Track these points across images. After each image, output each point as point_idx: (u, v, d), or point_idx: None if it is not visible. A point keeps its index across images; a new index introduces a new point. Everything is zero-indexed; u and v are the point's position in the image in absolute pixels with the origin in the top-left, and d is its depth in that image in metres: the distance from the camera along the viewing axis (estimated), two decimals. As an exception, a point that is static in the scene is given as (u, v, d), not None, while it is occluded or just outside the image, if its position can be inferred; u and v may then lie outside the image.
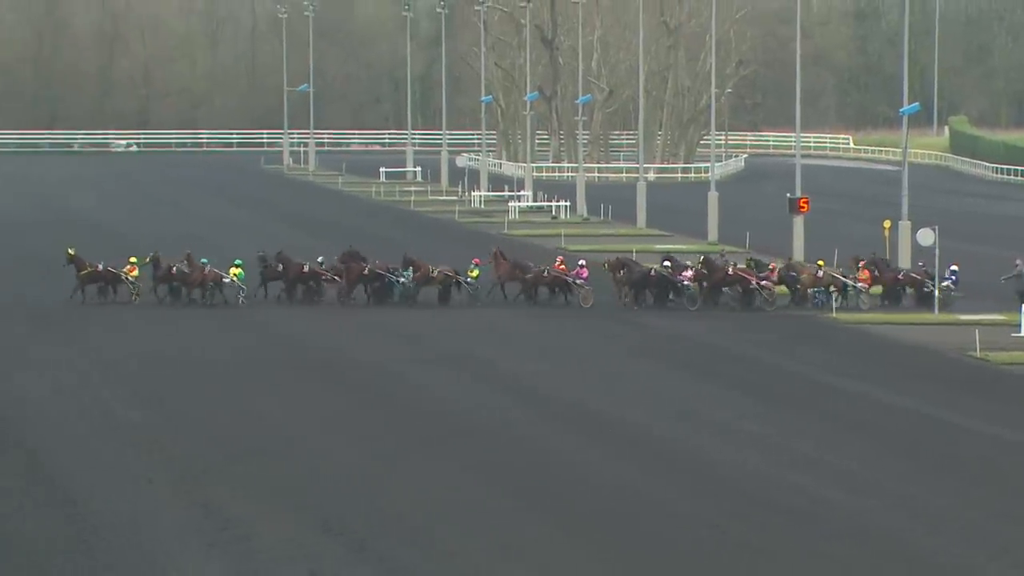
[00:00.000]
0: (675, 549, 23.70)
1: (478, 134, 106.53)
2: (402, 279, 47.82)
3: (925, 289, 48.47)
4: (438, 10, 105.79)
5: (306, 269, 47.84)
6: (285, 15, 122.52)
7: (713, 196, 68.43)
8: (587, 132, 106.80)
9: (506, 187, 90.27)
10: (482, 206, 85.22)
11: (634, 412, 33.21)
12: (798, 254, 60.26)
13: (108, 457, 29.18)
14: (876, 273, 49.24)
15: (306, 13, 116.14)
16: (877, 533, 24.58)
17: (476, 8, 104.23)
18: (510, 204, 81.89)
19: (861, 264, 49.42)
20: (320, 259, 48.71)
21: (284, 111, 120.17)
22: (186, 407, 33.29)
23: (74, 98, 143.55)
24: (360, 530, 24.44)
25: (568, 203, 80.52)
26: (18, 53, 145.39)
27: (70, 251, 47.37)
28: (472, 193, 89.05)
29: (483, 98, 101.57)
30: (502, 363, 38.93)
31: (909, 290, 49.19)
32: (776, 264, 50.01)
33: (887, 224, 55.10)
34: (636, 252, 61.53)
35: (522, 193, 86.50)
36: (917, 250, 52.63)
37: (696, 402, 34.35)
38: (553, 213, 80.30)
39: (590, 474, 28.13)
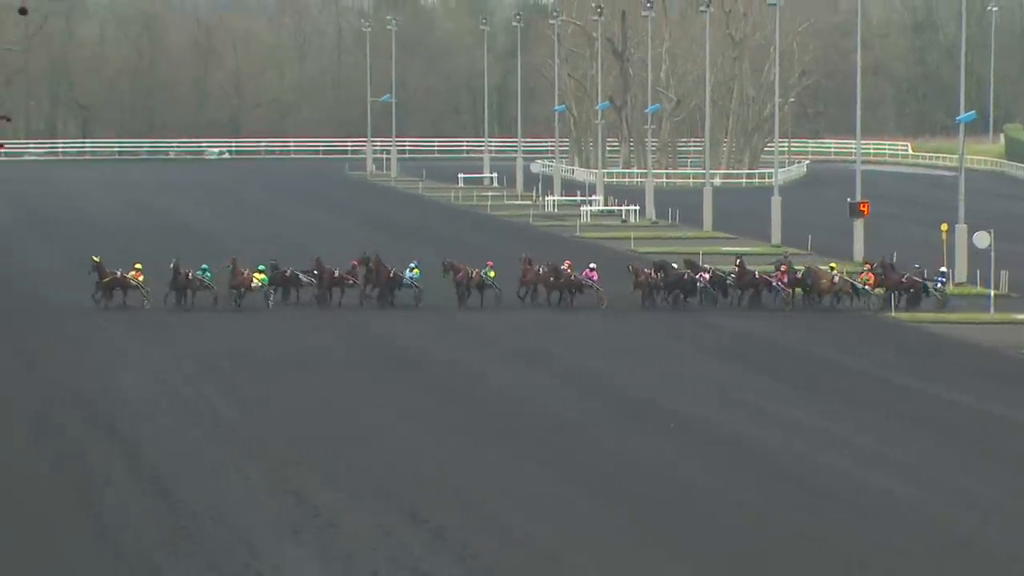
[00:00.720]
0: (740, 540, 23.63)
1: (552, 142, 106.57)
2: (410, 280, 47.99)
3: (926, 291, 47.78)
4: (514, 24, 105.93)
5: (336, 274, 48.14)
6: (369, 29, 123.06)
7: (776, 200, 68.14)
8: (656, 140, 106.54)
9: (578, 192, 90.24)
10: (555, 210, 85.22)
11: (702, 408, 33.13)
12: (858, 255, 59.90)
13: (204, 449, 29.44)
14: (882, 275, 48.76)
15: (389, 27, 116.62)
16: (936, 524, 24.41)
17: (550, 22, 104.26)
18: (582, 208, 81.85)
19: (867, 267, 49.15)
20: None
21: (367, 120, 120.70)
22: (278, 402, 33.52)
23: (170, 108, 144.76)
24: (441, 518, 24.54)
25: (637, 207, 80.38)
26: (118, 66, 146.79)
27: (95, 259, 47.58)
28: (546, 198, 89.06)
29: (556, 107, 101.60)
30: (573, 360, 38.91)
31: (912, 291, 48.43)
32: (788, 265, 49.30)
33: (944, 227, 54.71)
34: (703, 253, 61.43)
35: (593, 198, 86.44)
36: (973, 253, 52.15)
37: (760, 397, 34.21)
38: (623, 217, 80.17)
39: (661, 468, 28.09)
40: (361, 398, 34.22)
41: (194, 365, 37.74)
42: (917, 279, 48.49)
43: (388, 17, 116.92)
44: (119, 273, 47.42)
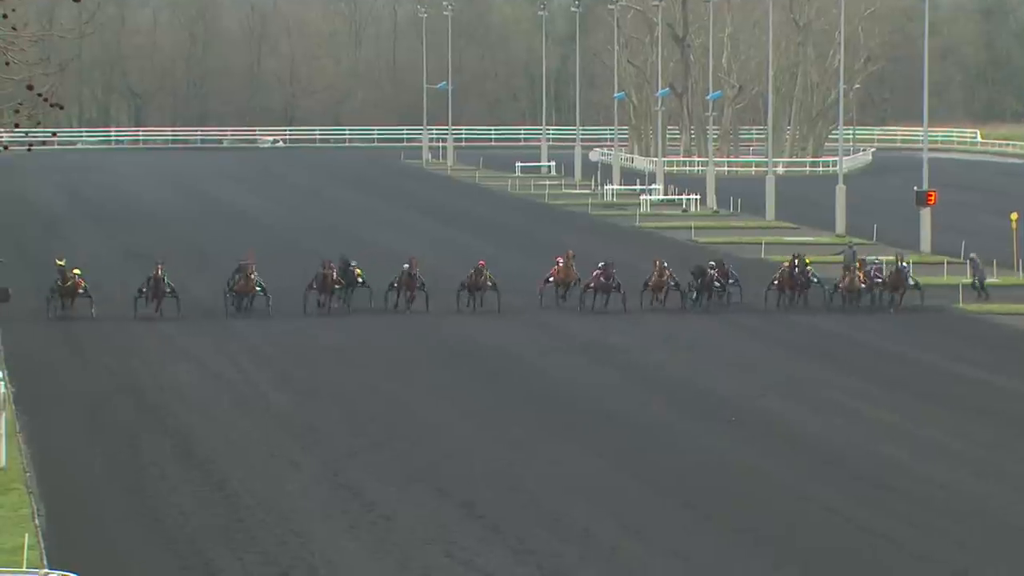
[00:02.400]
0: (798, 532, 23.62)
1: (611, 129, 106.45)
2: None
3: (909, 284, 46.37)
4: (572, 9, 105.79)
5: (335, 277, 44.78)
6: (425, 15, 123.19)
7: (841, 189, 67.85)
8: (717, 127, 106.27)
9: (638, 181, 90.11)
10: (614, 199, 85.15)
11: (765, 399, 33.09)
12: (925, 246, 59.58)
13: (257, 441, 29.67)
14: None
15: (445, 13, 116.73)
16: (999, 516, 24.32)
17: (609, 7, 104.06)
18: (642, 197, 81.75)
19: (859, 263, 48.13)
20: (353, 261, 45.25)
21: (423, 107, 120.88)
22: (333, 394, 33.72)
23: (224, 96, 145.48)
24: (496, 512, 24.65)
25: (698, 196, 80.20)
26: (172, 53, 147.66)
27: (59, 262, 43.83)
28: (605, 187, 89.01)
29: (616, 94, 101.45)
30: (637, 354, 38.93)
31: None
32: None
33: (1015, 216, 54.34)
34: (765, 243, 61.24)
35: (653, 187, 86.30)
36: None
37: (822, 388, 34.14)
38: (684, 206, 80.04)
39: (719, 458, 28.11)
40: (417, 391, 34.36)
41: (248, 357, 37.98)
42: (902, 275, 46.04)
43: (444, 2, 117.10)
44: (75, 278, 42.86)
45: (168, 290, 43.26)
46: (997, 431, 30.39)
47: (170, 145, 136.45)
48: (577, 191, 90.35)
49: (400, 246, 63.37)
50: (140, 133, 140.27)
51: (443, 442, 29.46)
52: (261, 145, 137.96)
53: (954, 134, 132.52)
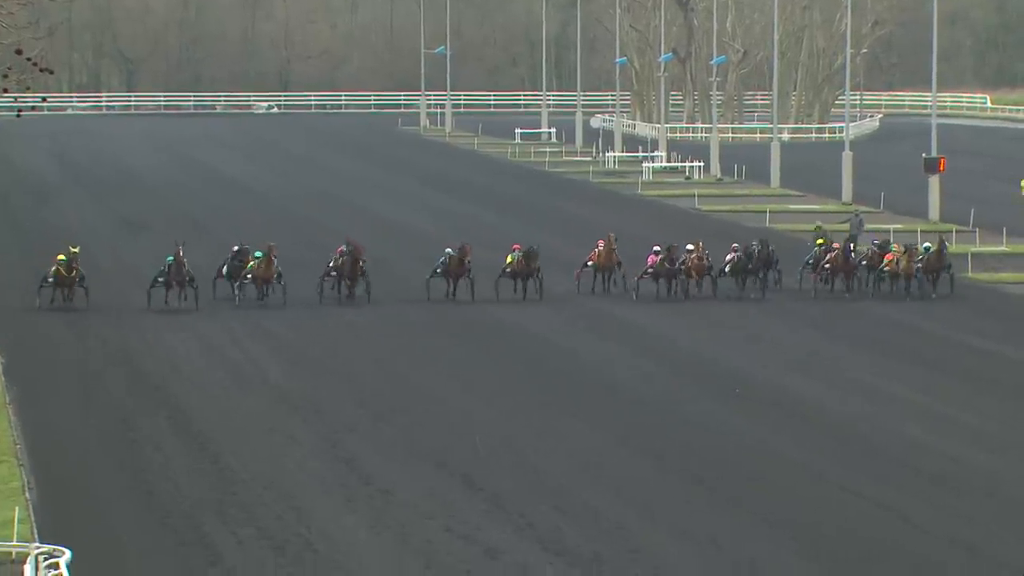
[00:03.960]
0: (806, 508, 23.61)
1: (612, 95, 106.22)
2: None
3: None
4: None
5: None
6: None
7: (847, 156, 67.73)
8: (721, 93, 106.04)
9: (640, 148, 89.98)
10: (616, 167, 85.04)
11: (786, 377, 33.05)
12: (934, 213, 59.52)
13: (254, 414, 29.65)
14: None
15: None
16: (1008, 491, 24.32)
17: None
18: (644, 165, 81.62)
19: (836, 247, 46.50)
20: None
21: (421, 73, 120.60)
22: (334, 368, 33.65)
23: (217, 60, 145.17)
24: (498, 487, 24.64)
25: (702, 163, 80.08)
26: (164, 17, 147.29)
27: (73, 249, 39.94)
28: (606, 154, 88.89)
29: (618, 60, 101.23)
30: (646, 328, 38.88)
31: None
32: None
33: (1024, 184, 54.30)
34: (770, 212, 61.17)
35: (656, 154, 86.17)
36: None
37: (842, 366, 34.12)
38: (687, 174, 79.93)
39: (729, 435, 28.09)
40: (421, 365, 34.31)
41: (245, 330, 37.88)
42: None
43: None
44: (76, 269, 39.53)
45: (188, 278, 39.26)
46: (1005, 404, 30.37)
47: (162, 111, 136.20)
48: (578, 158, 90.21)
49: (397, 216, 63.35)
50: (132, 98, 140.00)
51: (445, 415, 29.44)
52: (255, 111, 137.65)
53: (963, 100, 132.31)
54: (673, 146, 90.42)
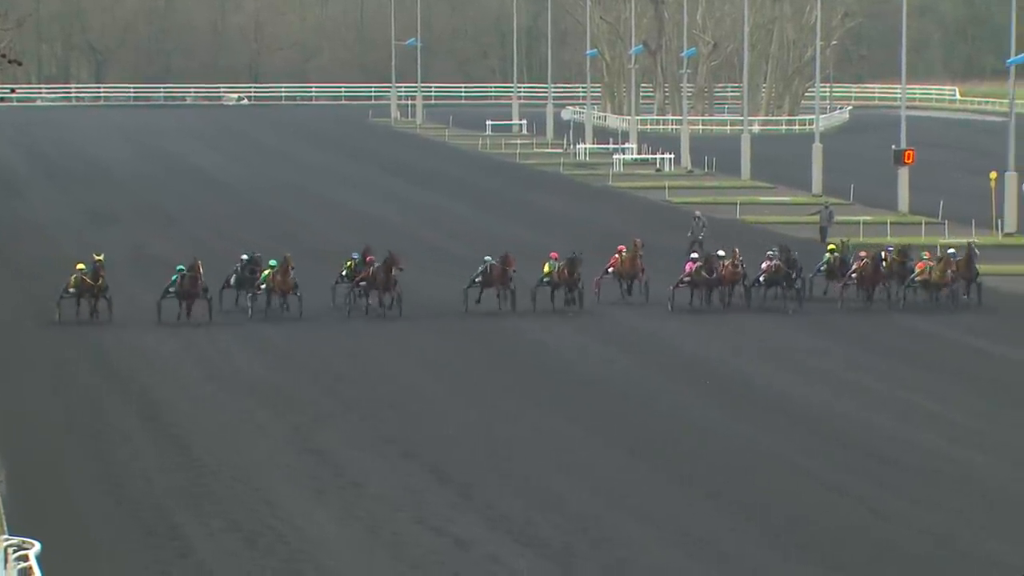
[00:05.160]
0: (778, 498, 23.69)
1: (583, 87, 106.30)
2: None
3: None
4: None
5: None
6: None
7: (817, 148, 67.93)
8: (691, 85, 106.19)
9: (611, 140, 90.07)
10: (587, 159, 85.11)
11: (764, 371, 33.14)
12: (903, 205, 59.74)
13: (225, 406, 29.63)
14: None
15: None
16: (983, 482, 24.46)
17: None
18: (614, 157, 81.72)
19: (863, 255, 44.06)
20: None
21: (392, 65, 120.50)
22: (306, 361, 33.59)
23: (187, 52, 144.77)
24: (468, 478, 24.68)
25: (672, 155, 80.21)
26: (133, 8, 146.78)
27: (97, 257, 37.40)
28: (577, 146, 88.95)
29: (588, 52, 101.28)
30: (616, 319, 38.91)
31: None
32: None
33: (993, 176, 54.50)
34: (740, 204, 61.29)
35: (627, 146, 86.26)
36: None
37: (807, 355, 34.24)
38: (657, 165, 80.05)
39: (707, 429, 28.15)
40: (397, 354, 34.29)
41: (219, 322, 37.65)
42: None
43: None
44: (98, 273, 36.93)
45: (203, 290, 36.52)
46: (980, 396, 30.53)
47: (132, 102, 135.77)
48: (549, 150, 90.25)
49: (367, 207, 63.31)
50: (101, 90, 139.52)
51: (417, 407, 29.45)
52: (226, 103, 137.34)
53: (932, 92, 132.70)
54: (644, 138, 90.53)
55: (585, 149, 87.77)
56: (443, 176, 75.75)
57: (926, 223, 55.06)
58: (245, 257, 38.47)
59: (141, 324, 36.91)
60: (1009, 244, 51.78)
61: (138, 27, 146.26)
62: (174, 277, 37.00)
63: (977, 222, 53.49)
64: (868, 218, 56.34)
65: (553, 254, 39.02)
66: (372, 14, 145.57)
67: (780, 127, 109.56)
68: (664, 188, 68.26)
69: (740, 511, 23.01)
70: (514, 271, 38.14)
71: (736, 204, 61.51)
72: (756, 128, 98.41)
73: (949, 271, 38.65)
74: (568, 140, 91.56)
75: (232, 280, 38.22)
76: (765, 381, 31.62)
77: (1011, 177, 54.18)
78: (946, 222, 55.08)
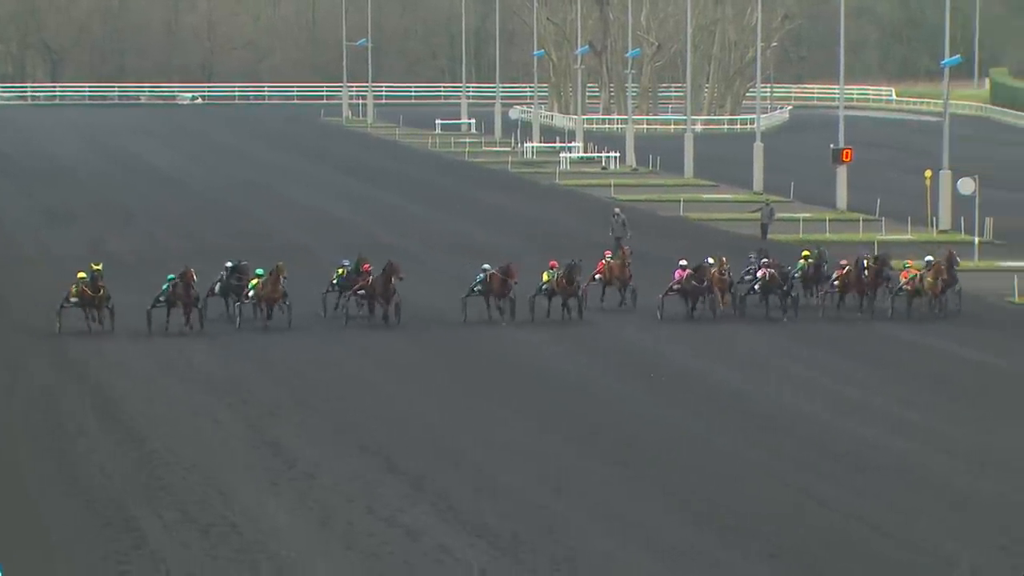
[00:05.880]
0: (728, 493, 23.76)
1: (530, 87, 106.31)
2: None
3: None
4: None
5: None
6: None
7: (758, 147, 68.18)
8: (636, 85, 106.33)
9: (557, 139, 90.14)
10: (534, 157, 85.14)
11: (719, 369, 33.16)
12: (841, 203, 60.02)
13: (180, 399, 29.49)
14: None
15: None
16: (919, 472, 24.60)
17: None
18: (561, 155, 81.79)
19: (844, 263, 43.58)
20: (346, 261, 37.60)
21: (343, 65, 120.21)
22: (261, 354, 33.46)
23: (142, 51, 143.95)
24: (421, 470, 24.64)
25: (618, 154, 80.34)
26: (88, 7, 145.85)
27: (95, 266, 35.73)
28: (524, 144, 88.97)
29: (535, 52, 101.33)
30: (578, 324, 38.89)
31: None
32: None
33: (928, 174, 54.83)
34: (683, 201, 61.45)
35: (573, 144, 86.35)
36: (958, 200, 52.36)
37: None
38: (603, 164, 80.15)
39: (657, 422, 28.19)
40: (353, 349, 34.19)
41: (175, 318, 37.27)
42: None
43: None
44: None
45: (195, 299, 34.96)
46: (918, 388, 30.70)
47: (87, 101, 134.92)
48: (497, 148, 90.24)
49: (320, 204, 63.13)
50: (57, 89, 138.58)
51: (372, 400, 29.39)
52: (180, 102, 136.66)
53: (870, 92, 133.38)
54: (590, 137, 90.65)
55: (532, 148, 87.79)
56: (393, 174, 75.63)
57: (864, 220, 55.34)
58: (229, 264, 36.58)
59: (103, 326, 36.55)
60: (944, 241, 52.11)
61: (93, 27, 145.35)
62: (164, 286, 35.15)
63: (913, 220, 53.80)
64: (807, 215, 56.60)
65: (552, 262, 36.94)
66: (324, 15, 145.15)
67: (722, 126, 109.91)
68: (610, 186, 68.36)
69: (690, 505, 23.06)
70: (515, 282, 36.21)
71: (680, 202, 61.67)
72: (699, 127, 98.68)
73: (940, 279, 36.93)
74: (516, 139, 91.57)
75: (216, 288, 36.39)
76: (720, 379, 31.71)
77: (945, 175, 54.52)
78: (883, 219, 55.39)
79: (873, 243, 48.10)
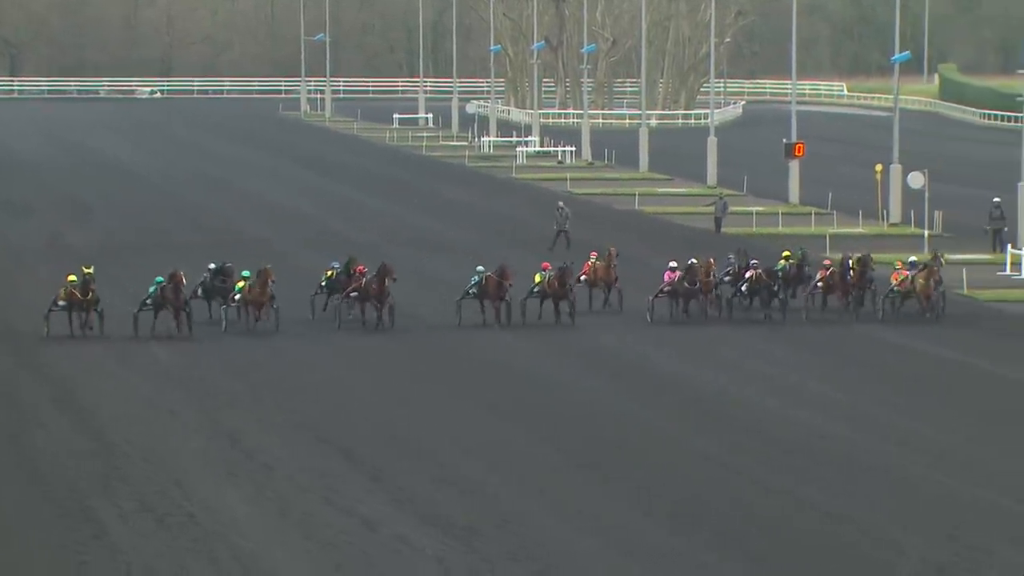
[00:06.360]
0: (677, 482, 23.79)
1: (487, 82, 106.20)
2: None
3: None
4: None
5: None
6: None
7: (712, 141, 68.30)
8: (592, 80, 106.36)
9: (514, 133, 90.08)
10: (491, 151, 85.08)
11: (685, 367, 33.15)
12: (793, 197, 60.19)
13: (138, 391, 29.33)
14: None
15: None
16: (863, 460, 24.69)
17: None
18: (518, 149, 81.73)
19: (827, 263, 42.67)
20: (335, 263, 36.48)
21: (302, 59, 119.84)
22: (219, 346, 33.29)
23: (100, 46, 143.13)
24: (378, 461, 24.59)
25: (573, 148, 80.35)
26: (47, 1, 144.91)
27: (86, 270, 34.45)
28: (481, 139, 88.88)
29: (492, 47, 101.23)
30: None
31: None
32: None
33: (879, 168, 55.04)
34: (638, 195, 61.53)
35: (529, 139, 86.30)
36: (908, 193, 52.58)
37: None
38: (559, 158, 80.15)
39: (614, 416, 28.20)
40: (312, 342, 34.04)
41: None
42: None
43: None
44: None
45: (184, 302, 33.73)
46: (860, 375, 30.82)
47: (46, 95, 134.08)
48: (454, 143, 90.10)
49: (279, 198, 62.88)
50: (15, 83, 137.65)
51: (331, 393, 29.29)
52: (139, 96, 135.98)
53: (821, 87, 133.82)
54: (546, 131, 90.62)
55: (489, 142, 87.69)
56: (352, 167, 75.45)
57: (815, 214, 55.52)
58: (213, 266, 35.21)
59: (63, 318, 36.27)
60: (894, 234, 52.34)
61: (52, 21, 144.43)
62: (152, 289, 33.81)
63: (864, 213, 54.00)
64: (760, 209, 56.73)
65: (544, 264, 36.01)
66: (282, 9, 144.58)
67: (676, 121, 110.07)
68: (566, 179, 68.37)
69: (653, 501, 23.07)
70: (510, 285, 35.00)
71: (635, 195, 61.73)
72: (654, 122, 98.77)
73: (932, 281, 35.54)
74: (473, 133, 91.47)
75: (199, 291, 35.01)
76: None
77: (896, 169, 54.74)
78: (834, 213, 55.58)
79: (825, 236, 48.26)
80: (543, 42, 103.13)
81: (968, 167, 76.34)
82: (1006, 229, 46.82)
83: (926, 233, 48.76)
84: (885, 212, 54.35)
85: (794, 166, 60.50)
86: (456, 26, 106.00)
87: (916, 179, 49.87)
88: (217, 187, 66.73)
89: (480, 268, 35.55)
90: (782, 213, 55.45)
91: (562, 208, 47.79)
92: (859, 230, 52.26)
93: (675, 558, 20.26)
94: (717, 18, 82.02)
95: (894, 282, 35.97)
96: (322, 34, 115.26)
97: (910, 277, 35.89)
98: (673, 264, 35.94)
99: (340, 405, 28.32)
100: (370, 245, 47.05)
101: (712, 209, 53.03)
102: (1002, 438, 26.30)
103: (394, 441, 25.84)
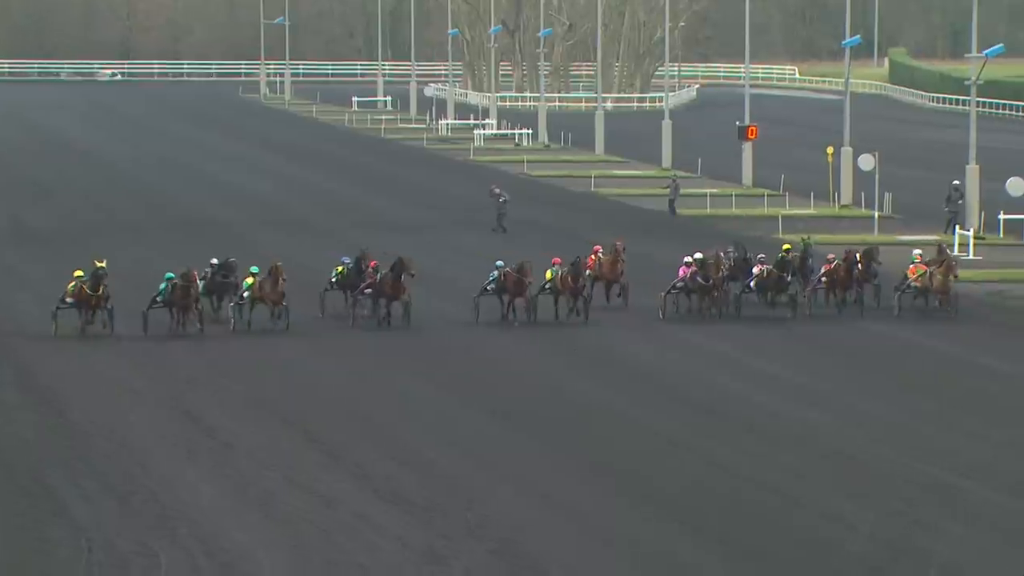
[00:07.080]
0: (634, 459, 23.78)
1: (445, 65, 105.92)
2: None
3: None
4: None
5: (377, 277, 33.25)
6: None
7: (667, 124, 68.31)
8: (548, 64, 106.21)
9: (472, 116, 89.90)
10: (449, 134, 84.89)
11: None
12: (747, 178, 60.27)
13: (99, 370, 29.12)
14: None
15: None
16: (827, 443, 24.73)
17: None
18: (475, 132, 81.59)
19: (831, 258, 41.44)
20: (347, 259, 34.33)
21: (261, 43, 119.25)
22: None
23: (60, 29, 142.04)
24: (339, 441, 24.48)
25: (530, 131, 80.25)
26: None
27: (99, 263, 32.51)
28: (439, 121, 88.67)
29: (450, 31, 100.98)
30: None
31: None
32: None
33: (830, 150, 55.15)
34: (594, 177, 61.49)
35: (487, 121, 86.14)
36: (859, 175, 52.73)
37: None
38: (516, 140, 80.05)
39: (568, 392, 28.15)
40: (282, 328, 33.75)
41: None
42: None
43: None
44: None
45: (194, 300, 31.82)
46: (817, 356, 30.86)
47: (7, 78, 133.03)
48: (413, 126, 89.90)
49: (239, 180, 62.58)
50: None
51: (293, 374, 29.12)
52: (99, 79, 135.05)
53: (774, 71, 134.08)
54: (503, 114, 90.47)
55: (447, 125, 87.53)
56: (311, 150, 75.16)
57: (768, 196, 55.62)
58: (215, 261, 33.22)
59: (26, 299, 36.03)
60: (845, 215, 52.48)
61: (12, 3, 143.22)
62: (163, 286, 31.95)
63: (815, 195, 54.10)
64: (714, 191, 56.80)
65: (555, 259, 33.85)
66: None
67: (632, 104, 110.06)
68: (523, 162, 68.28)
69: (607, 476, 23.05)
70: (531, 282, 33.12)
71: (591, 177, 61.70)
72: (609, 105, 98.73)
73: (951, 276, 33.59)
74: (431, 116, 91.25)
75: (202, 287, 32.69)
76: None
77: (847, 152, 54.87)
78: (787, 195, 55.68)
79: (777, 218, 48.31)
80: (500, 26, 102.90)
81: (917, 149, 76.60)
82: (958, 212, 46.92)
83: (876, 214, 48.89)
84: (836, 194, 54.47)
85: (747, 148, 60.57)
86: (414, 10, 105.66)
87: (867, 161, 49.96)
88: (177, 169, 66.34)
89: (499, 263, 33.51)
90: (735, 195, 55.53)
91: (498, 193, 45.80)
92: (811, 211, 52.36)
93: (635, 536, 20.24)
94: (671, 3, 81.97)
95: (911, 276, 34.24)
96: (281, 18, 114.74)
97: (928, 272, 34.01)
98: (688, 259, 33.92)
99: (304, 388, 28.16)
100: (331, 227, 46.83)
101: (668, 192, 53.02)
102: (940, 414, 26.36)
103: (356, 421, 25.71)
